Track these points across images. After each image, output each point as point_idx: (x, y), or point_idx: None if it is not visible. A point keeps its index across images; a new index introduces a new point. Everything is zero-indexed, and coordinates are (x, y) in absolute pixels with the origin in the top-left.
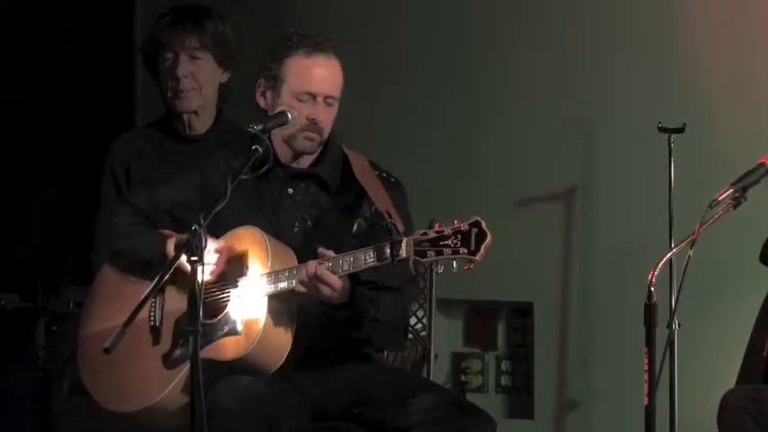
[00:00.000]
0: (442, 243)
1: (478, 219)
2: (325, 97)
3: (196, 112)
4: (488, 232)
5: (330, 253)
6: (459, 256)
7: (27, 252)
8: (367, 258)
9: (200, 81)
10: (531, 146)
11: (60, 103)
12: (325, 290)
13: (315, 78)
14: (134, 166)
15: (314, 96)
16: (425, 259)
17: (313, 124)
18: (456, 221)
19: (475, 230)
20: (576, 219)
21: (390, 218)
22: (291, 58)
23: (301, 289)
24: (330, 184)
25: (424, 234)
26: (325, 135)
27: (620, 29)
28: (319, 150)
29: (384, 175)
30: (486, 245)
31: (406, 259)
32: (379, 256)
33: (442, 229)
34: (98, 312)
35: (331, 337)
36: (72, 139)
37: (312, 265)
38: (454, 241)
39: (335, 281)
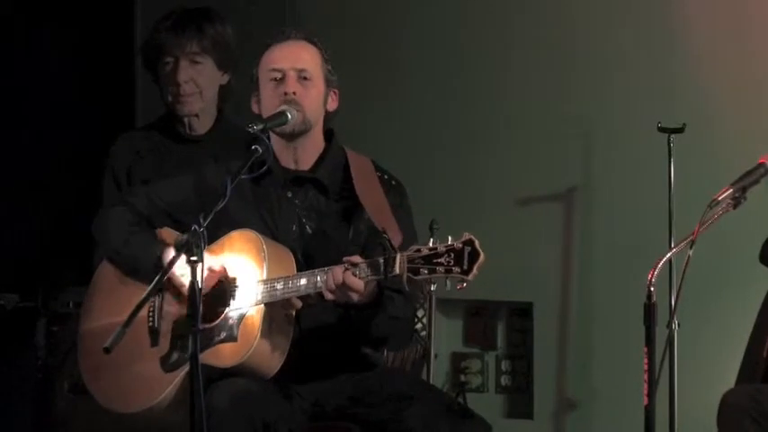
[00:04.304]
0: (435, 261)
1: (471, 237)
2: (297, 71)
3: (197, 115)
4: (481, 251)
5: (356, 258)
6: (451, 274)
7: (27, 252)
8: (360, 272)
9: (200, 85)
10: (531, 146)
11: (60, 103)
12: (354, 295)
13: (279, 56)
14: (135, 166)
15: (283, 73)
16: (418, 277)
17: (288, 100)
18: (449, 239)
19: (468, 249)
20: (576, 219)
21: (385, 233)
22: (264, 53)
23: (330, 296)
24: (330, 188)
25: (418, 251)
26: (308, 113)
27: (620, 29)
28: (320, 153)
29: (386, 177)
30: (479, 264)
31: (400, 275)
32: (373, 271)
33: (435, 246)
34: (98, 307)
35: (332, 341)
36: (72, 140)
37: (339, 274)
38: (447, 259)
39: (361, 286)
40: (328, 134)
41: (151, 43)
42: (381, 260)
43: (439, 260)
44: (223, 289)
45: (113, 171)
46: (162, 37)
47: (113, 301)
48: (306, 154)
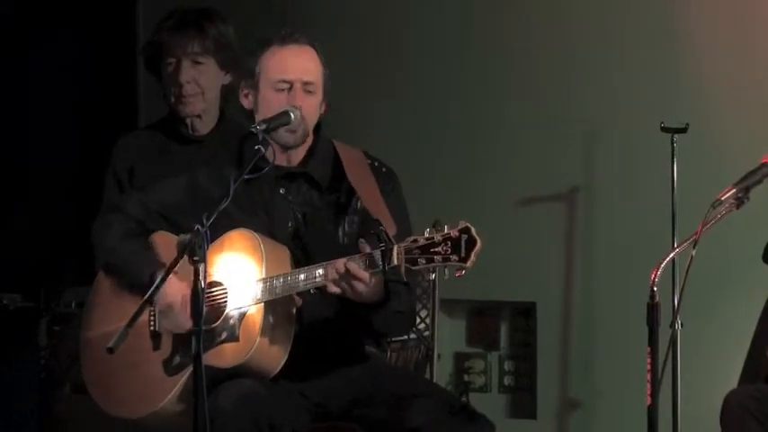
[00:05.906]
0: (432, 250)
1: (468, 225)
2: (303, 84)
3: (199, 116)
4: (478, 239)
5: (364, 247)
6: (449, 263)
7: (29, 252)
8: (359, 266)
9: (202, 86)
10: (533, 146)
11: (62, 104)
12: (359, 285)
13: (288, 66)
14: (137, 166)
15: (290, 84)
16: (416, 267)
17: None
18: (446, 227)
19: (465, 237)
20: (579, 219)
21: (381, 225)
22: (265, 52)
23: (334, 289)
24: (321, 182)
25: (415, 241)
26: (308, 123)
27: (623, 28)
28: (308, 147)
29: (376, 164)
30: (476, 251)
31: (398, 266)
32: (371, 263)
33: (432, 235)
34: (99, 315)
35: (333, 339)
36: (75, 140)
37: (341, 263)
38: (444, 248)
39: (365, 276)
40: (315, 128)
41: (153, 44)
42: (379, 253)
43: (436, 249)
44: (223, 289)
45: (115, 171)
46: (164, 37)
47: (114, 308)
48: (297, 153)
